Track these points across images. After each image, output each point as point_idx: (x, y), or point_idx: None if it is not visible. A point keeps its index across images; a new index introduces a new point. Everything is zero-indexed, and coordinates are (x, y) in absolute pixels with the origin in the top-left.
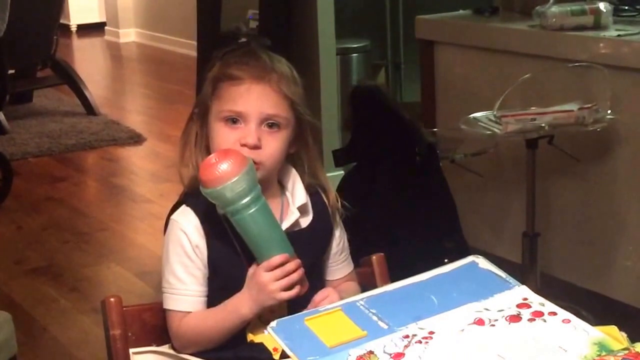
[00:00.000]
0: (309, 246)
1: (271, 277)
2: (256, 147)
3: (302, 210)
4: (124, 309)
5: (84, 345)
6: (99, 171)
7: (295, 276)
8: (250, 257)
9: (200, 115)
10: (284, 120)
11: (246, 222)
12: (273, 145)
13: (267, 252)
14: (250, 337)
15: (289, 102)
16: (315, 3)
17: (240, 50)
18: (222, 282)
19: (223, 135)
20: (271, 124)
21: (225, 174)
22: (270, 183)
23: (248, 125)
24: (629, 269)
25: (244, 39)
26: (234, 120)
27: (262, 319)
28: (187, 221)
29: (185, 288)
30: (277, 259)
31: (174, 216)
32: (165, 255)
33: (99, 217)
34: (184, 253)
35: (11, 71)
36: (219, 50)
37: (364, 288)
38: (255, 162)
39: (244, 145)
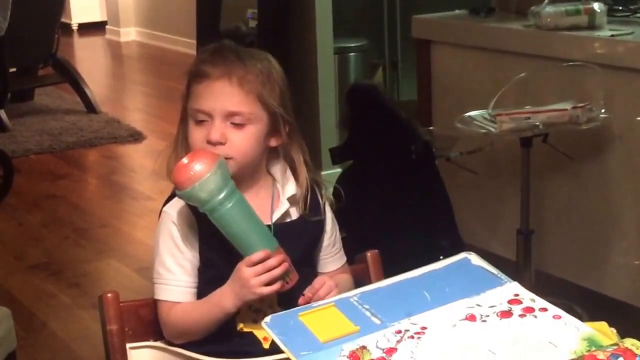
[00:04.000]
0: (300, 237)
1: (252, 273)
2: (219, 143)
3: (293, 201)
4: (121, 304)
5: (83, 341)
6: (99, 169)
7: (277, 271)
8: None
9: (181, 117)
10: (250, 116)
11: (224, 219)
12: (240, 140)
13: (248, 247)
14: (241, 325)
15: (254, 96)
16: (314, 3)
17: (210, 48)
18: (214, 273)
19: (193, 134)
20: (236, 123)
21: (196, 173)
22: (256, 174)
23: (213, 122)
24: (622, 266)
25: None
26: (200, 119)
27: (252, 307)
28: (178, 213)
29: (174, 278)
30: (257, 255)
31: (165, 208)
32: (156, 246)
33: (99, 214)
34: (173, 244)
35: (13, 69)
36: (202, 48)
37: (359, 284)
38: (225, 158)
39: (209, 142)
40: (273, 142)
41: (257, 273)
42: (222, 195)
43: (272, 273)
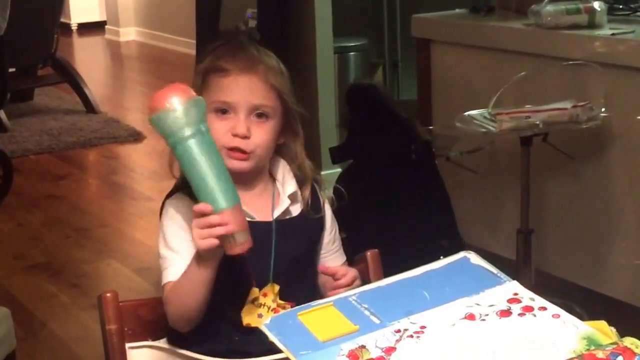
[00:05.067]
0: (301, 234)
1: (194, 223)
2: (245, 137)
3: (293, 198)
4: (120, 304)
5: (83, 341)
6: (99, 169)
7: (217, 230)
8: None
9: None
10: (271, 110)
11: (184, 157)
12: (262, 135)
13: (202, 194)
14: (247, 320)
15: (275, 92)
16: (313, 2)
17: (229, 44)
18: (218, 270)
19: (213, 125)
20: (259, 114)
21: (171, 103)
22: (261, 174)
23: (237, 115)
24: (622, 265)
25: (243, 28)
26: (223, 110)
27: (255, 303)
28: (182, 204)
29: (179, 257)
30: (199, 206)
31: (168, 201)
32: (162, 236)
33: (99, 214)
34: (177, 227)
35: (12, 69)
36: (211, 45)
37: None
38: (245, 152)
39: (235, 135)
40: (281, 139)
41: (198, 225)
42: (188, 132)
43: (211, 231)
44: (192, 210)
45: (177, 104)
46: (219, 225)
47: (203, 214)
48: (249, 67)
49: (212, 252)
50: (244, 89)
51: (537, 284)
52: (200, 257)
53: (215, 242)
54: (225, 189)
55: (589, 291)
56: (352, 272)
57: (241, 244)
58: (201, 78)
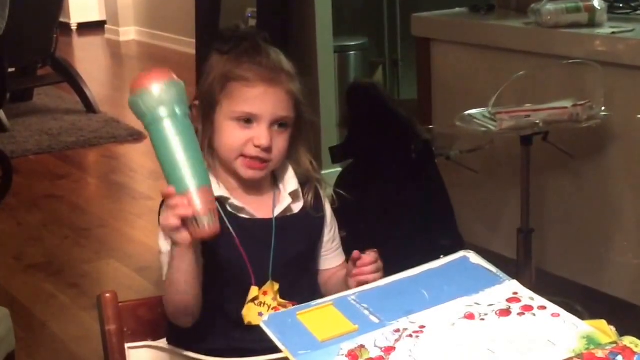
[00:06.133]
0: (302, 231)
1: (162, 199)
2: (269, 149)
3: (294, 196)
4: (120, 304)
5: (83, 341)
6: (98, 168)
7: (178, 211)
8: (246, 244)
9: (202, 109)
10: (291, 120)
11: (154, 137)
12: (281, 145)
13: (169, 176)
14: (248, 319)
15: (294, 100)
16: (313, 1)
17: (246, 45)
18: (217, 267)
19: (234, 133)
20: (281, 124)
21: (149, 81)
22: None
23: (260, 126)
24: (623, 264)
25: (244, 28)
26: (247, 120)
27: (256, 301)
28: None
29: None
30: (165, 189)
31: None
32: (161, 233)
33: (99, 214)
34: None
35: (12, 69)
36: (221, 43)
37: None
38: (264, 161)
39: (257, 146)
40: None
41: (164, 207)
42: (160, 111)
43: (172, 211)
44: None
45: (153, 85)
46: (182, 206)
47: (168, 197)
48: (273, 78)
49: (176, 234)
50: (269, 101)
51: (538, 283)
52: (173, 243)
53: (176, 222)
54: (191, 171)
55: (590, 290)
56: (373, 254)
57: (203, 228)
58: (220, 84)
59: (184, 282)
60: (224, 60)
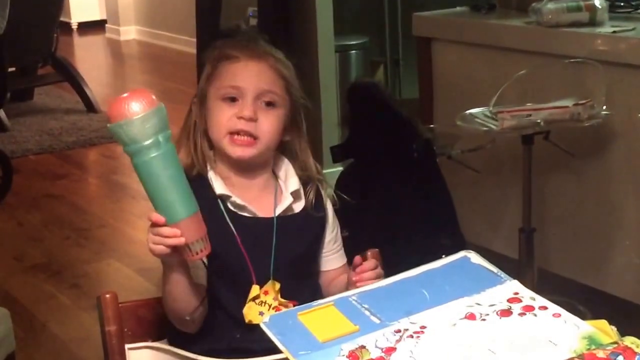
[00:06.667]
0: (303, 231)
1: (149, 230)
2: (251, 119)
3: (295, 196)
4: (120, 305)
5: (83, 342)
6: (99, 168)
7: (169, 241)
8: (246, 242)
9: (199, 103)
10: (279, 99)
11: (139, 168)
12: (269, 121)
13: (157, 205)
14: (248, 317)
15: (284, 83)
16: (314, 0)
17: (240, 36)
18: (219, 264)
19: (221, 111)
20: (268, 102)
21: (129, 112)
22: (265, 170)
23: (244, 100)
24: (625, 263)
25: (244, 27)
26: (232, 98)
27: (257, 300)
28: None
29: None
30: (153, 217)
31: None
32: None
33: (99, 214)
34: None
35: (12, 69)
36: (220, 41)
37: None
38: (251, 135)
39: (240, 117)
40: (287, 136)
41: (152, 232)
42: (145, 143)
43: (163, 240)
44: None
45: (135, 116)
46: (172, 237)
47: (157, 224)
48: (259, 55)
49: (167, 258)
50: (253, 73)
51: (540, 282)
52: (162, 261)
53: (167, 250)
54: (179, 201)
55: (592, 289)
56: (373, 261)
57: (197, 253)
58: (211, 66)
59: (175, 293)
60: (217, 49)
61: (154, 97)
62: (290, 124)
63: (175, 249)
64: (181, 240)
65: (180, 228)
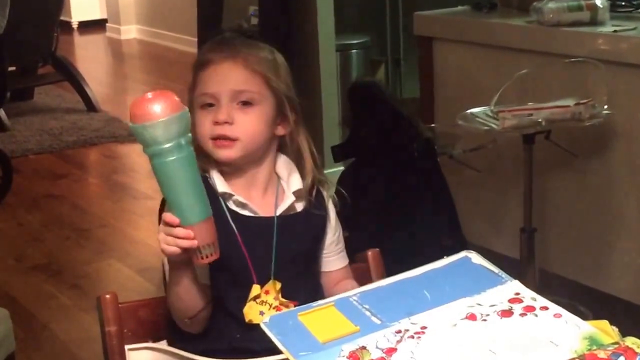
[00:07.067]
0: (304, 230)
1: (161, 229)
2: (226, 122)
3: (298, 195)
4: (120, 305)
5: (84, 343)
6: (99, 168)
7: (182, 242)
8: (247, 241)
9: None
10: (257, 96)
11: (159, 169)
12: (247, 121)
13: (174, 206)
14: (249, 317)
15: (261, 78)
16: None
17: (215, 39)
18: (219, 265)
19: (200, 119)
20: (244, 102)
21: (152, 113)
22: (265, 169)
23: (219, 104)
24: (626, 264)
25: (246, 26)
26: (209, 104)
27: (257, 300)
28: None
29: None
30: (169, 217)
31: None
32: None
33: (100, 213)
34: None
35: (12, 68)
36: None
37: (360, 283)
38: (229, 138)
39: (216, 122)
40: (280, 131)
41: (165, 232)
42: (166, 146)
43: (176, 241)
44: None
45: (161, 119)
46: (185, 238)
47: (171, 224)
48: (228, 56)
49: (176, 258)
50: (223, 76)
51: (541, 283)
52: (170, 260)
53: (178, 250)
54: (195, 204)
55: (593, 290)
56: None
57: (207, 257)
58: (192, 74)
59: (180, 293)
60: (197, 56)
61: (177, 99)
62: (278, 118)
63: (185, 250)
64: (194, 243)
65: (193, 231)
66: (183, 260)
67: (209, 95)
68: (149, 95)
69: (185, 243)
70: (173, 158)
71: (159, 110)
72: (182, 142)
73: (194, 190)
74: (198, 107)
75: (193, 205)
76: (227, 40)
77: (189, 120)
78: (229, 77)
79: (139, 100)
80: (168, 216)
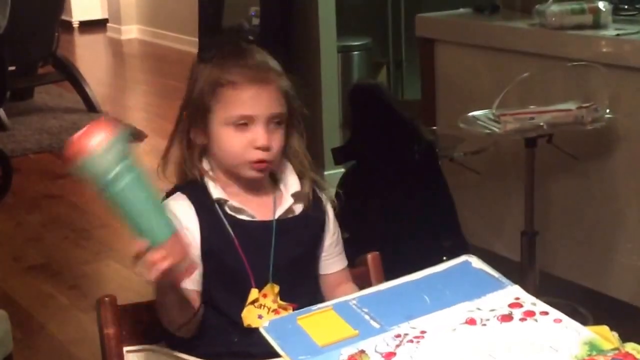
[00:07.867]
0: (302, 233)
1: (135, 262)
2: (269, 148)
3: (296, 197)
4: (119, 307)
5: (82, 343)
6: None
7: (161, 266)
8: (245, 245)
9: (194, 116)
10: (284, 116)
11: (111, 201)
12: (278, 142)
13: (136, 231)
14: (247, 321)
15: (286, 97)
16: (317, 1)
17: (229, 50)
18: (216, 263)
19: (233, 139)
20: (277, 122)
21: (91, 144)
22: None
23: (257, 127)
24: (627, 267)
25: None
26: (243, 123)
27: (256, 304)
28: (179, 205)
29: None
30: (138, 244)
31: (166, 201)
32: None
33: (99, 213)
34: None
35: (12, 68)
36: (205, 51)
37: (360, 287)
38: (266, 162)
39: (257, 148)
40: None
41: (143, 263)
42: (112, 174)
43: (156, 266)
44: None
45: (94, 153)
46: (161, 260)
47: (143, 251)
48: (262, 78)
49: (163, 279)
50: (263, 100)
51: (542, 285)
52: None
53: (157, 275)
54: (158, 223)
55: (594, 293)
56: None
57: (182, 273)
58: (210, 91)
59: (169, 307)
60: (209, 67)
61: (108, 122)
62: (290, 129)
63: (167, 271)
64: (166, 263)
65: (164, 250)
66: (168, 280)
67: (247, 117)
68: (81, 132)
69: (164, 264)
70: (120, 185)
71: (92, 144)
72: (129, 163)
73: (156, 207)
74: (227, 124)
75: (157, 224)
76: (249, 56)
77: (127, 140)
78: (267, 101)
79: (73, 139)
80: (137, 245)
